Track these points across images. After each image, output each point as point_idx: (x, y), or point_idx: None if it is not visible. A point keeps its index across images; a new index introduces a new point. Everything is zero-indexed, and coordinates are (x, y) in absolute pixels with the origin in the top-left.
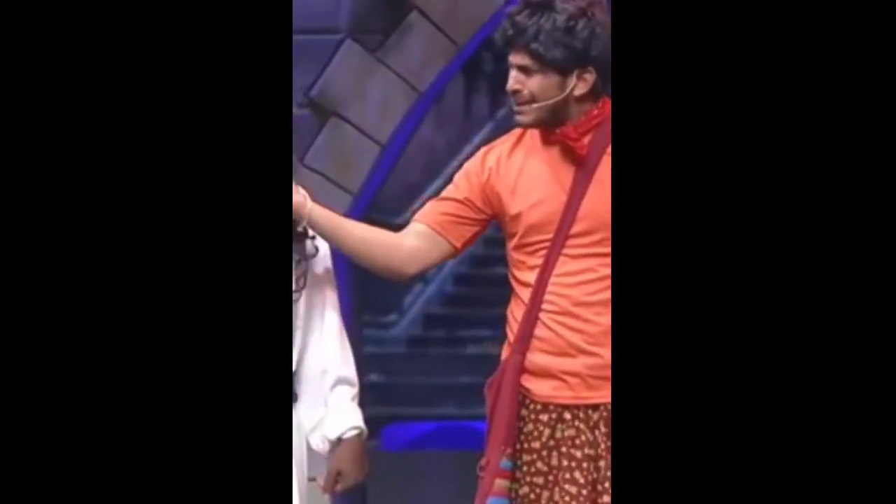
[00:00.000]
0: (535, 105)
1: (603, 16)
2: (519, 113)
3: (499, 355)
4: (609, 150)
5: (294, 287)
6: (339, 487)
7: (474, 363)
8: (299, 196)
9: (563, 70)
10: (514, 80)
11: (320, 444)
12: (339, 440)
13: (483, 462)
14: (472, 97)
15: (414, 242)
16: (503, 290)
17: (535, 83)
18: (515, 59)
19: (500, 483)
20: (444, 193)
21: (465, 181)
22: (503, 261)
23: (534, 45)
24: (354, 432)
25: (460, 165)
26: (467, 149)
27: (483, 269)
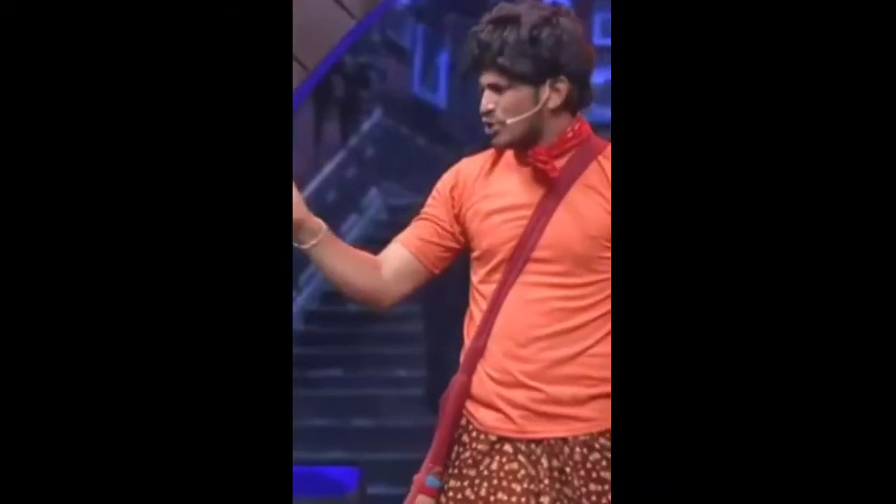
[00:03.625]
0: (509, 123)
1: (569, 23)
2: (494, 134)
3: None
4: (584, 177)
5: None
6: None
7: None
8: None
9: (534, 81)
10: (486, 99)
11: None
12: None
13: (417, 475)
14: None
15: (391, 269)
16: None
17: (507, 100)
18: (486, 78)
19: (423, 500)
20: (422, 211)
21: (433, 198)
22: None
23: (500, 60)
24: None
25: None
26: None
27: None
